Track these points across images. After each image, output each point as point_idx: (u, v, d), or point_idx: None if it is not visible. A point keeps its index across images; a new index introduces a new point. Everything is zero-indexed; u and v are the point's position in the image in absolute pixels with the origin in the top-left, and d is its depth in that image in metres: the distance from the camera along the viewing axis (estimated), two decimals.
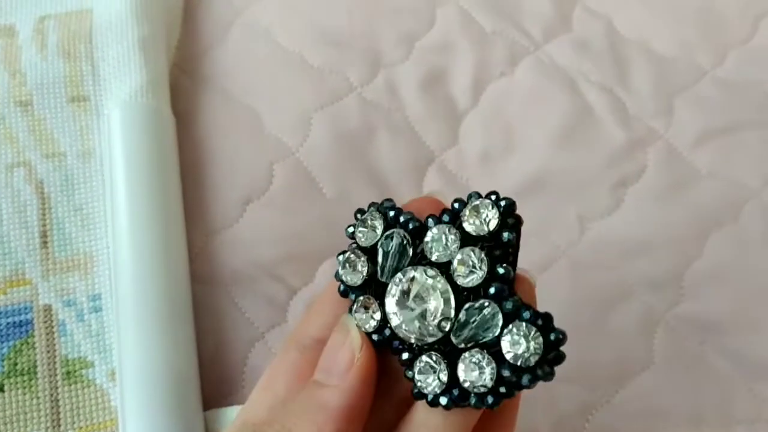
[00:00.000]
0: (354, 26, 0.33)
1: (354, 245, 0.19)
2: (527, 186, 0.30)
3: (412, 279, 0.18)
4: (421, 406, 0.18)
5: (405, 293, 0.18)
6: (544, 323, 0.16)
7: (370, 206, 0.20)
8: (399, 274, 0.18)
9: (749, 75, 0.33)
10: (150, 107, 0.28)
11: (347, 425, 0.17)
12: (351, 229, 0.20)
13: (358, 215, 0.20)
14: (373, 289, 0.19)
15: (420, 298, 0.18)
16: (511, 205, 0.18)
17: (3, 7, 0.31)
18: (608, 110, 0.32)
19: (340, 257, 0.19)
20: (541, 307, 0.17)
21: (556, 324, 0.17)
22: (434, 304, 0.17)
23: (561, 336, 0.16)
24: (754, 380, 0.27)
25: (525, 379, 0.16)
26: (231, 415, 0.24)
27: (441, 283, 0.17)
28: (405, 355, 0.18)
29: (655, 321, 0.28)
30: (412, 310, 0.18)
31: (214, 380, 0.26)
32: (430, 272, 0.18)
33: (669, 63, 0.34)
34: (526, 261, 0.29)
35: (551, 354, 0.16)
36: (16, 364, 0.25)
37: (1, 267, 0.26)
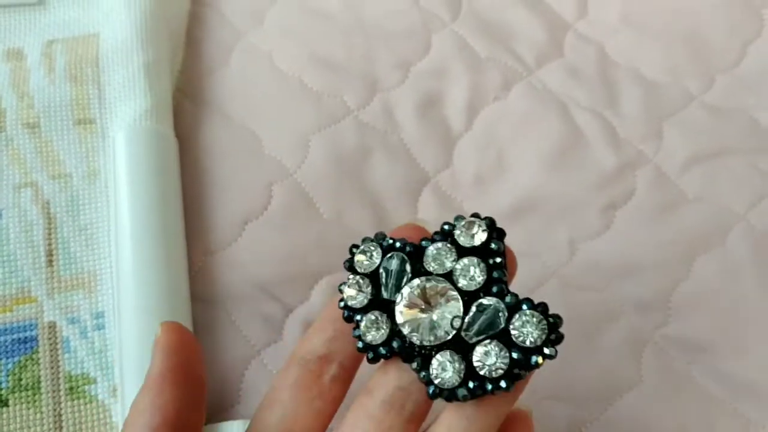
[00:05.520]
0: (351, 51, 0.34)
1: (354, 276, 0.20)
2: (519, 207, 0.31)
3: (421, 288, 0.19)
4: (444, 415, 0.19)
5: (414, 301, 0.19)
6: (543, 310, 0.19)
7: (363, 240, 0.21)
8: (406, 287, 0.20)
9: (736, 100, 0.34)
10: (154, 131, 0.29)
11: None
12: (348, 263, 0.21)
13: (354, 249, 0.21)
14: (378, 308, 0.20)
15: (429, 303, 0.19)
16: (493, 220, 0.20)
17: (11, 31, 0.32)
18: (598, 134, 0.33)
19: (342, 286, 0.20)
20: None
21: None
22: (444, 306, 0.19)
23: (559, 319, 0.19)
24: (738, 400, 0.28)
25: (534, 359, 0.18)
26: (227, 430, 0.25)
27: (448, 287, 0.19)
28: (417, 361, 0.19)
29: (643, 341, 0.29)
30: (423, 314, 0.19)
31: (211, 396, 0.27)
32: (436, 280, 0.19)
33: (658, 88, 0.34)
34: (517, 280, 0.30)
35: (553, 335, 0.19)
36: (20, 380, 0.25)
37: (7, 285, 0.27)
